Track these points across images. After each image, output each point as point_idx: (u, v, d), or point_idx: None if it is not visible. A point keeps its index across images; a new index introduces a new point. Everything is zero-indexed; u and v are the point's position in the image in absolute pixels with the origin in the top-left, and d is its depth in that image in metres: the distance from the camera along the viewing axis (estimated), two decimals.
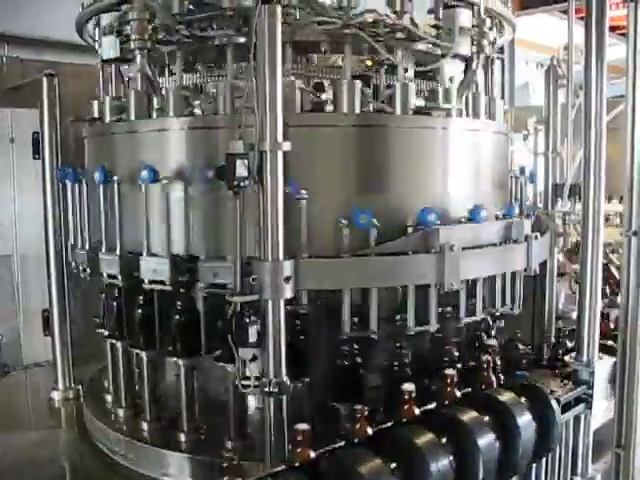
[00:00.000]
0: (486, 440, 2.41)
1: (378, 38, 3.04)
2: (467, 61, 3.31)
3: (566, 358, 3.23)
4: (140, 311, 3.08)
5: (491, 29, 3.16)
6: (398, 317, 2.94)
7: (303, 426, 2.18)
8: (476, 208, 3.03)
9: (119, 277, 3.12)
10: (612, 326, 3.51)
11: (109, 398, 3.52)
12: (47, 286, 4.07)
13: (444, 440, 2.33)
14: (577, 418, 3.07)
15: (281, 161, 2.60)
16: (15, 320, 5.39)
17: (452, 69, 3.40)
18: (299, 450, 2.16)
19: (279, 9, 2.56)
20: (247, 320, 2.60)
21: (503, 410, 2.55)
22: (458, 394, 2.61)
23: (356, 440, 2.27)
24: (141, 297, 3.08)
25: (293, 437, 2.19)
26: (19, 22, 5.19)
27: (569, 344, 3.44)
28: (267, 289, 2.59)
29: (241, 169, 2.58)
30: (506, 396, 2.62)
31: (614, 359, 3.08)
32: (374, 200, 2.89)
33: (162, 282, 2.94)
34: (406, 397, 2.44)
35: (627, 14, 2.76)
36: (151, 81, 3.15)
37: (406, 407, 2.43)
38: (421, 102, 3.09)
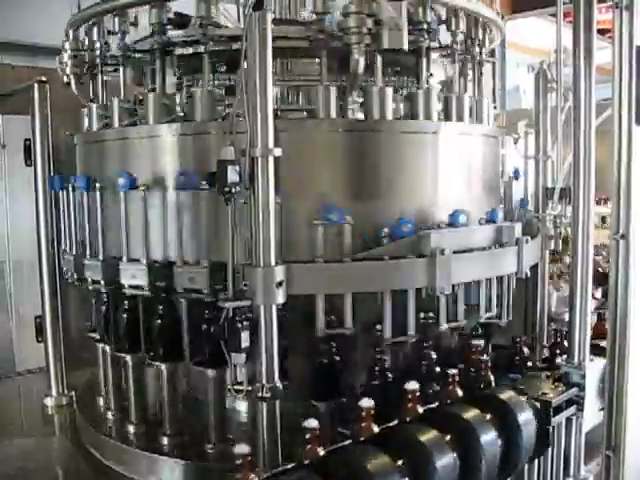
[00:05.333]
0: (488, 437, 2.48)
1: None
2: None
3: (558, 360, 3.24)
4: (124, 316, 3.12)
5: (371, 15, 2.99)
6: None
7: (313, 423, 2.21)
8: (455, 212, 3.03)
9: (101, 282, 3.16)
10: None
11: (101, 402, 3.53)
12: (40, 292, 4.07)
13: (448, 437, 2.39)
14: (569, 420, 3.09)
15: (272, 167, 2.61)
16: (8, 326, 5.37)
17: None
18: (309, 447, 2.20)
19: (269, 15, 2.58)
20: (239, 325, 2.60)
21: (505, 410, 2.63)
22: (460, 393, 2.67)
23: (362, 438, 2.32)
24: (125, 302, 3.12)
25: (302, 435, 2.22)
26: (10, 29, 5.18)
27: (561, 346, 3.45)
28: (259, 294, 2.60)
29: (232, 175, 2.59)
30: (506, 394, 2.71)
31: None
32: (365, 205, 2.90)
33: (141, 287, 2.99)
34: (410, 396, 2.50)
35: (612, 19, 2.79)
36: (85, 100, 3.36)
37: (410, 405, 2.49)
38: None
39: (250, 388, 2.67)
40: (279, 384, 2.63)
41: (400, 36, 2.97)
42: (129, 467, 3.04)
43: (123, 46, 3.34)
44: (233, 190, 2.62)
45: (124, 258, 3.04)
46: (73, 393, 3.99)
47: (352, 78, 3.05)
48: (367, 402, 2.34)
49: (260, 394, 2.60)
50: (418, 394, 2.51)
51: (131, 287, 3.02)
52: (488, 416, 2.55)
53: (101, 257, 3.15)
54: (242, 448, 2.11)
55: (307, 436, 2.19)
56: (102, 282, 3.16)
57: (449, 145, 3.15)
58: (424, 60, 3.36)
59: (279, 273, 2.62)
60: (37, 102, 3.95)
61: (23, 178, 4.99)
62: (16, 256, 5.33)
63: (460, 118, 3.31)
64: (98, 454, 3.24)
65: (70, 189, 3.38)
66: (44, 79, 3.99)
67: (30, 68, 5.10)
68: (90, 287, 3.26)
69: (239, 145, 2.63)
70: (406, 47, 2.99)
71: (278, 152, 2.62)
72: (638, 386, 3.00)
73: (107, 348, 3.34)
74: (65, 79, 3.52)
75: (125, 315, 3.11)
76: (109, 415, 3.39)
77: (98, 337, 3.37)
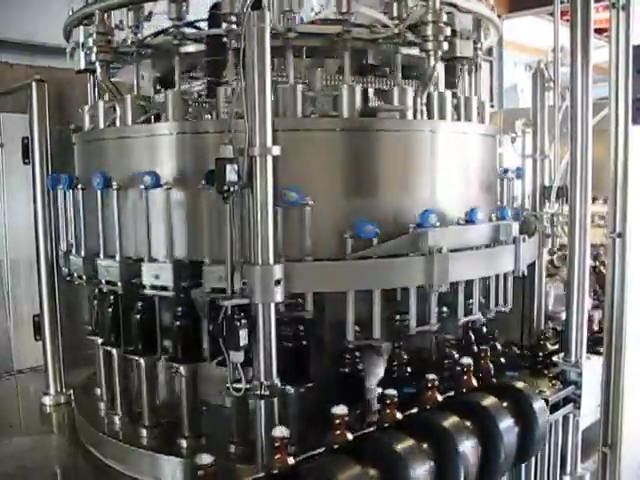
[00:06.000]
0: (505, 424, 2.57)
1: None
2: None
3: (554, 358, 3.26)
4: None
5: (447, 24, 3.13)
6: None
7: (341, 410, 2.26)
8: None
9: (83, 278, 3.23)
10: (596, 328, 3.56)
11: (100, 403, 3.53)
12: (38, 291, 4.07)
13: (468, 424, 2.48)
14: (566, 418, 3.11)
15: (270, 165, 2.62)
16: (5, 325, 5.36)
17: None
18: (337, 433, 2.25)
19: (268, 15, 2.59)
20: (238, 323, 2.61)
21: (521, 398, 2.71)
22: (475, 383, 2.74)
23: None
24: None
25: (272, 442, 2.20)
26: (9, 27, 5.17)
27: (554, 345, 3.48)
28: (257, 293, 2.61)
29: (231, 174, 2.60)
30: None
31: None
32: (364, 203, 2.91)
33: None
34: (429, 385, 2.59)
35: (609, 18, 2.80)
36: (112, 91, 3.22)
37: (430, 394, 2.58)
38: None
39: (249, 386, 2.68)
40: (277, 382, 2.65)
41: (469, 45, 3.24)
42: (129, 465, 3.05)
43: (179, 34, 3.08)
44: (232, 189, 2.63)
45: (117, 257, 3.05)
46: (71, 391, 3.99)
47: (424, 82, 3.15)
48: (391, 391, 2.42)
49: (259, 392, 2.62)
50: (437, 384, 2.58)
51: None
52: (505, 404, 2.63)
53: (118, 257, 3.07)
54: (281, 431, 2.15)
55: (336, 422, 2.24)
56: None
57: (447, 144, 3.15)
58: (458, 66, 3.50)
59: (277, 271, 2.63)
60: (35, 100, 3.95)
61: (21, 176, 4.98)
62: (14, 255, 5.31)
63: (458, 117, 3.32)
64: (97, 452, 3.24)
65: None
66: (42, 78, 3.98)
67: (28, 67, 5.09)
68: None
69: (238, 144, 2.64)
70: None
71: (277, 151, 2.63)
72: (634, 383, 3.02)
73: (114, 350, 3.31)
74: (82, 65, 3.34)
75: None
76: (108, 413, 3.39)
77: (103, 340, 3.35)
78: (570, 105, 3.08)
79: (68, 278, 3.47)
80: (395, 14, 3.12)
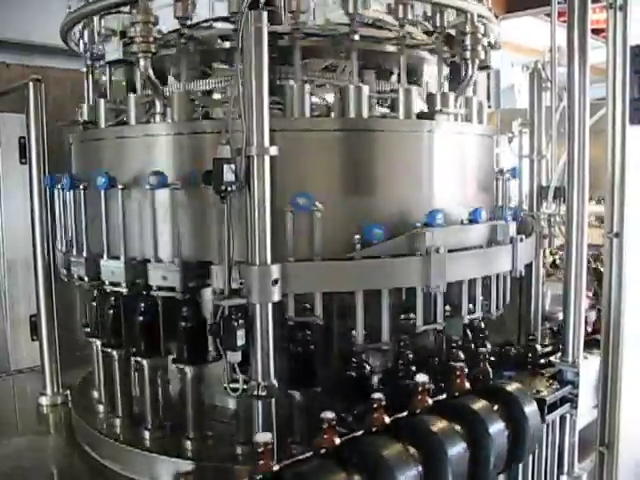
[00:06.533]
0: (496, 428, 2.52)
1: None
2: (451, 65, 3.42)
3: (551, 358, 3.26)
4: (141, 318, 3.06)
5: (484, 35, 3.28)
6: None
7: (329, 414, 2.23)
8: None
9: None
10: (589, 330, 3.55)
11: (98, 403, 3.52)
12: (35, 291, 4.07)
13: (458, 427, 2.44)
14: (563, 418, 3.11)
15: (268, 165, 2.61)
16: (2, 326, 5.36)
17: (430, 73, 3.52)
18: (325, 437, 2.23)
19: (265, 14, 2.59)
20: (235, 324, 2.61)
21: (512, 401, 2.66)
22: (468, 386, 2.70)
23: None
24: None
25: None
26: (6, 27, 5.17)
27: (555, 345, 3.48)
28: (255, 293, 2.61)
29: (228, 174, 2.60)
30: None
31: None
32: (362, 203, 2.91)
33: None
34: (420, 389, 2.53)
35: (606, 19, 2.81)
36: (155, 85, 3.04)
37: (420, 398, 2.53)
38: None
39: (246, 386, 2.68)
40: (275, 382, 2.65)
41: (496, 54, 3.50)
42: (125, 465, 3.04)
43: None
44: (229, 189, 2.62)
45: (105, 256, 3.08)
46: (68, 392, 3.99)
47: (462, 88, 3.35)
48: (378, 394, 2.38)
49: (256, 392, 2.62)
50: (427, 386, 2.54)
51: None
52: (495, 407, 2.60)
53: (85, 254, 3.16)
54: (264, 436, 2.13)
55: (324, 426, 2.22)
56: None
57: (444, 144, 3.16)
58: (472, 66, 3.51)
59: (275, 271, 2.63)
60: (32, 100, 3.93)
61: (18, 176, 4.97)
62: (11, 255, 5.32)
63: (455, 118, 3.33)
64: (94, 453, 3.24)
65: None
66: (39, 77, 3.97)
67: (25, 66, 5.09)
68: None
69: (235, 144, 2.63)
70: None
71: (274, 151, 2.63)
72: (632, 383, 3.03)
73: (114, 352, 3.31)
74: (120, 55, 3.22)
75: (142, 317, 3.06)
76: (104, 413, 3.39)
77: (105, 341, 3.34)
78: (567, 105, 3.09)
79: (67, 279, 3.44)
80: (438, 24, 3.34)
